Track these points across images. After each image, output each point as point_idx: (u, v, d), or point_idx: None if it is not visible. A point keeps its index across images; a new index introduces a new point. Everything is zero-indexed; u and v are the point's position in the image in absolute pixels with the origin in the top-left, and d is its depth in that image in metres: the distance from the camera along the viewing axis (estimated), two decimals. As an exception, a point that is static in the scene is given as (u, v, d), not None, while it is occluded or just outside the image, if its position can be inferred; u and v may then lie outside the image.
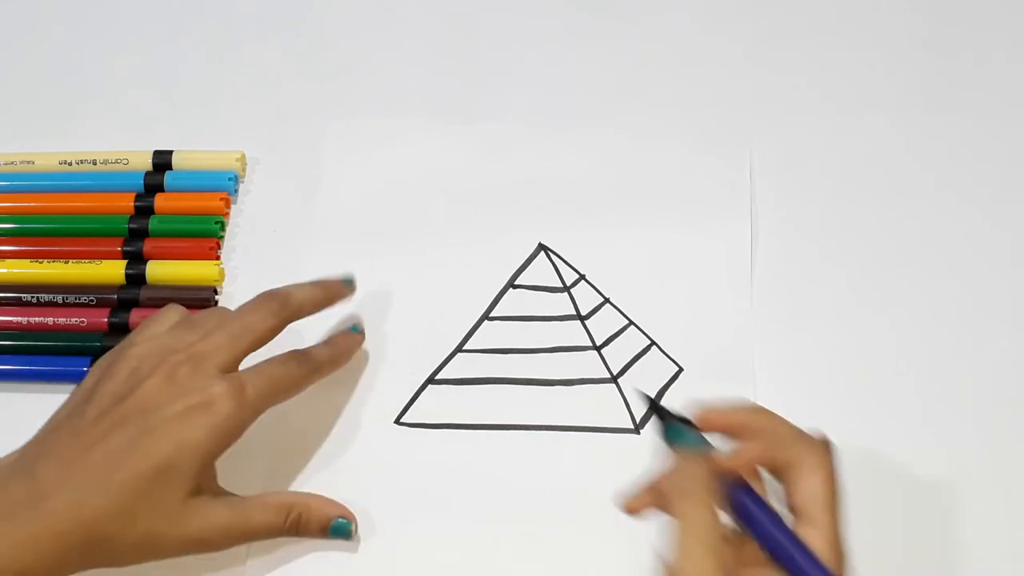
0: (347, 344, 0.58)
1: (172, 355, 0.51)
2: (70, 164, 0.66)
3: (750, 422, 0.45)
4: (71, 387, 0.53)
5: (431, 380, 0.59)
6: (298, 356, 0.54)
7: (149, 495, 0.48)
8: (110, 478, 0.48)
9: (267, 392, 0.52)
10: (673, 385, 0.59)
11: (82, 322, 0.60)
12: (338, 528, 0.53)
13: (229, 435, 0.51)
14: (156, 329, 0.54)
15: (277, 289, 0.55)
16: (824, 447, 0.45)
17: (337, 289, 0.58)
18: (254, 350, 0.53)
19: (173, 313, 0.55)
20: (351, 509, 0.54)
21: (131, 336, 0.54)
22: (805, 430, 0.45)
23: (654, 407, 0.46)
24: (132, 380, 0.51)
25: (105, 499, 0.48)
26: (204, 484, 0.50)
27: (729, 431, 0.45)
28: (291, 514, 0.52)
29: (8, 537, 0.47)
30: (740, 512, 0.43)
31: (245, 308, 0.54)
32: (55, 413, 0.52)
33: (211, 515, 0.50)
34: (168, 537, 0.49)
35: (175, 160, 0.65)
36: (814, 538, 0.43)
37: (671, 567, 0.41)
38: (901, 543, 0.55)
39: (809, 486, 0.43)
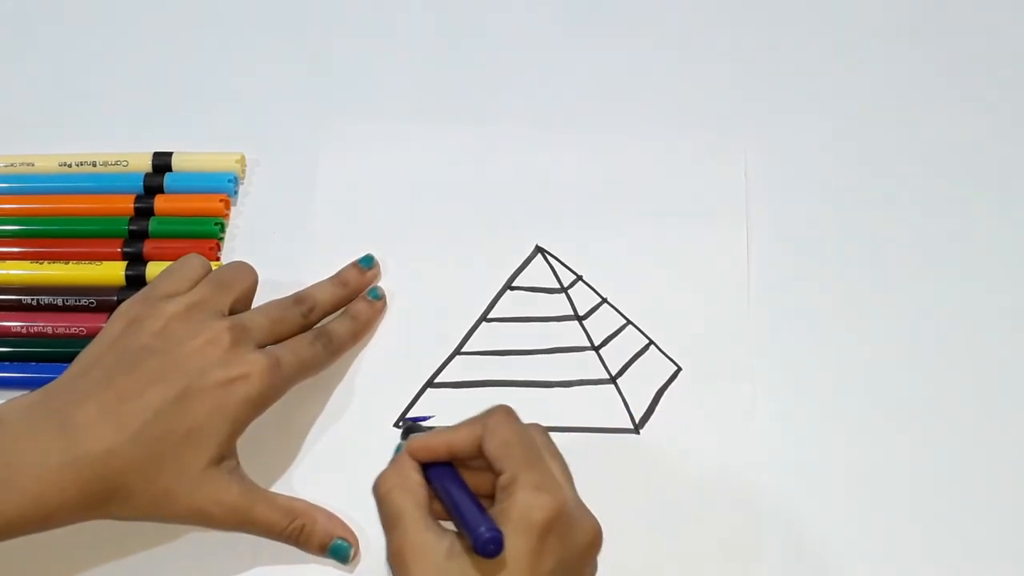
0: (368, 316, 0.60)
1: (214, 320, 0.53)
2: (70, 166, 0.66)
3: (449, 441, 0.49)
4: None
5: (430, 383, 0.59)
6: (323, 337, 0.57)
7: (176, 455, 0.50)
8: (145, 433, 0.50)
9: (297, 371, 0.55)
10: (672, 384, 0.60)
11: (81, 330, 0.61)
12: (337, 549, 0.54)
13: (259, 408, 0.53)
14: (182, 283, 0.55)
15: (303, 294, 0.58)
16: (495, 414, 0.49)
17: (358, 282, 0.60)
18: (284, 340, 0.55)
19: (196, 264, 0.56)
20: (351, 513, 0.55)
21: (156, 287, 0.55)
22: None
23: (406, 428, 0.55)
24: (168, 338, 0.52)
25: (136, 452, 0.49)
26: (226, 455, 0.52)
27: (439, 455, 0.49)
28: (295, 522, 0.53)
29: (39, 480, 0.48)
30: (431, 483, 0.49)
31: (276, 306, 0.57)
32: (79, 357, 0.53)
33: (222, 490, 0.51)
34: (180, 501, 0.50)
35: (175, 162, 0.66)
36: (505, 482, 0.46)
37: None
38: (901, 539, 0.56)
39: (489, 448, 0.48)
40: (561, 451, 0.49)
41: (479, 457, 0.49)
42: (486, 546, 0.44)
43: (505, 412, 0.49)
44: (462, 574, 0.45)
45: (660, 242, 0.63)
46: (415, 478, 0.49)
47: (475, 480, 0.49)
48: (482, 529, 0.44)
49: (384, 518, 0.48)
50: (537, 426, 0.50)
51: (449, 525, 0.47)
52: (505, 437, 0.48)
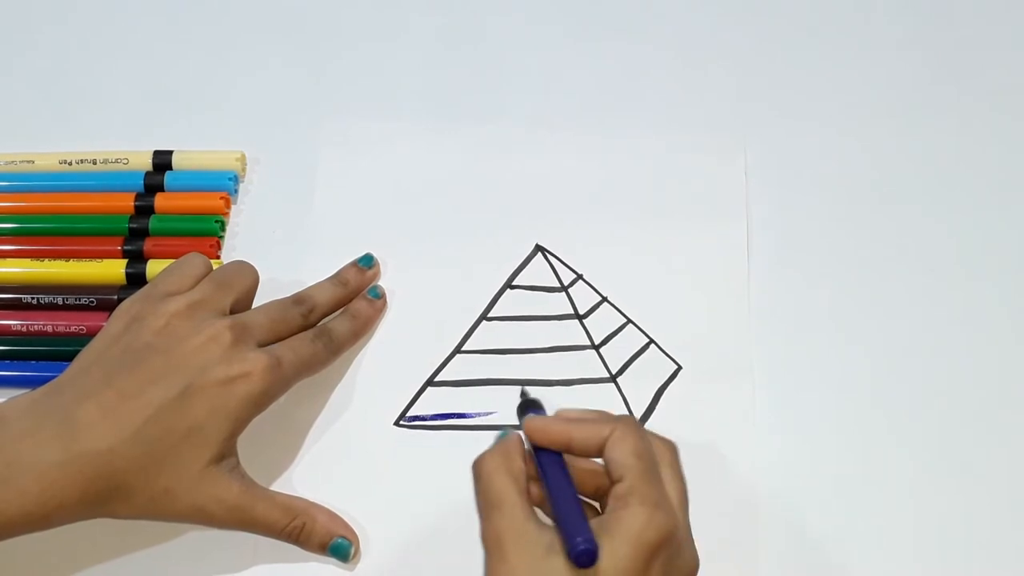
0: (368, 315, 0.60)
1: (215, 318, 0.53)
2: (70, 164, 0.66)
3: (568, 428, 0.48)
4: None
5: (430, 382, 0.60)
6: (324, 336, 0.56)
7: (177, 454, 0.50)
8: (145, 431, 0.50)
9: (298, 370, 0.54)
10: (673, 383, 0.60)
11: (82, 328, 0.61)
12: (337, 548, 0.54)
13: (260, 407, 0.53)
14: (183, 282, 0.55)
15: (303, 295, 0.58)
16: (625, 422, 0.47)
17: (358, 281, 0.60)
18: (284, 339, 0.55)
19: (197, 263, 0.56)
20: (352, 512, 0.55)
21: (157, 285, 0.55)
22: (612, 413, 0.49)
23: (523, 403, 0.52)
24: (169, 336, 0.52)
25: (137, 451, 0.49)
26: (226, 454, 0.52)
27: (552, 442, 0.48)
28: (295, 520, 0.53)
29: (40, 479, 0.48)
30: (539, 467, 0.48)
31: (276, 306, 0.56)
32: (80, 355, 0.53)
33: (222, 489, 0.51)
34: (180, 500, 0.50)
35: (175, 160, 0.66)
36: (622, 493, 0.45)
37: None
38: (901, 538, 0.56)
39: (613, 455, 0.46)
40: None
41: (593, 457, 0.47)
42: (579, 557, 0.43)
43: (634, 422, 0.48)
44: (560, 574, 0.43)
45: (660, 241, 0.63)
46: (519, 464, 0.47)
47: (579, 475, 0.48)
48: (579, 539, 0.43)
49: (484, 499, 0.46)
50: (670, 443, 0.49)
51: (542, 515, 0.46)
52: (633, 447, 0.46)
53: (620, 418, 0.48)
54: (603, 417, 0.48)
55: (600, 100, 0.69)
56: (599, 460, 0.47)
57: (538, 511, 0.46)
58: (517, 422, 0.50)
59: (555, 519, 0.46)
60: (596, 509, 0.48)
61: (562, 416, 0.49)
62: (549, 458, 0.48)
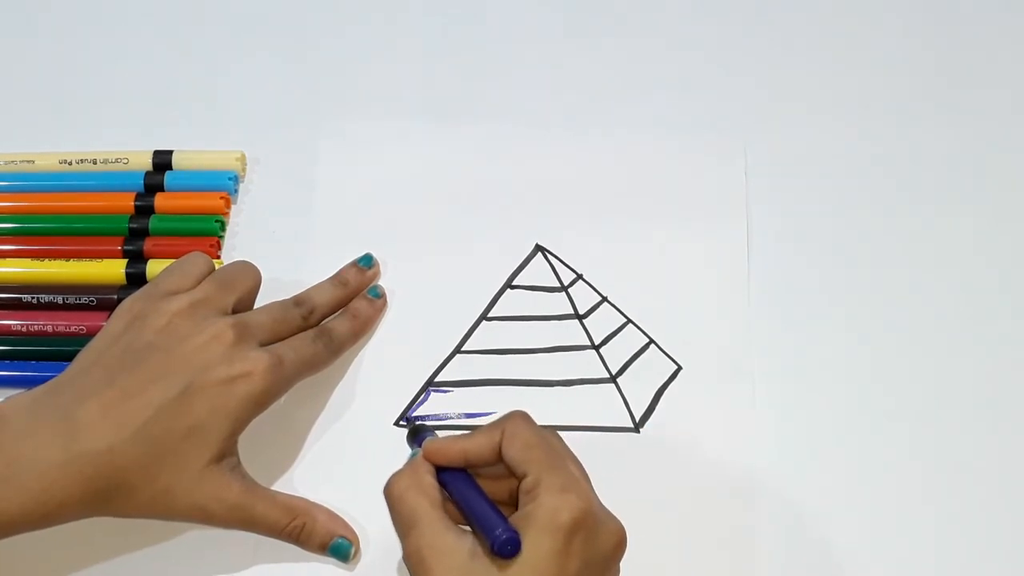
0: (368, 315, 0.60)
1: (217, 317, 0.53)
2: (70, 163, 0.66)
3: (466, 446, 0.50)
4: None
5: (430, 383, 0.59)
6: (325, 336, 0.56)
7: (177, 453, 0.50)
8: (146, 430, 0.50)
9: (299, 370, 0.54)
10: (673, 383, 0.60)
11: (81, 328, 0.61)
12: (337, 548, 0.54)
13: (261, 406, 0.52)
14: (185, 281, 0.55)
15: (303, 296, 0.58)
16: (512, 420, 0.50)
17: (358, 281, 0.60)
18: (284, 339, 0.55)
19: (200, 262, 0.56)
20: (352, 512, 0.55)
21: (159, 284, 0.55)
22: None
23: (412, 429, 0.55)
24: (171, 335, 0.52)
25: (138, 450, 0.49)
26: (227, 453, 0.52)
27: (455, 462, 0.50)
28: (295, 520, 0.53)
29: (41, 478, 0.48)
30: (446, 487, 0.49)
31: (277, 307, 0.56)
32: (81, 354, 0.53)
33: (223, 488, 0.51)
34: (181, 498, 0.50)
35: (175, 160, 0.66)
36: (529, 486, 0.47)
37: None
38: (901, 538, 0.56)
39: (510, 452, 0.48)
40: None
41: (495, 464, 0.49)
42: (503, 547, 0.44)
43: (523, 417, 0.50)
44: (487, 574, 0.45)
45: (660, 242, 0.63)
46: (429, 480, 0.49)
47: (489, 488, 0.49)
48: (499, 531, 0.44)
49: (399, 519, 0.48)
50: (553, 431, 0.50)
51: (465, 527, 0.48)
52: (526, 441, 0.48)
53: (508, 417, 0.50)
54: (492, 423, 0.50)
55: (600, 100, 0.69)
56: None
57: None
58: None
59: (472, 527, 0.47)
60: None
61: (456, 436, 0.51)
62: (453, 475, 0.49)
